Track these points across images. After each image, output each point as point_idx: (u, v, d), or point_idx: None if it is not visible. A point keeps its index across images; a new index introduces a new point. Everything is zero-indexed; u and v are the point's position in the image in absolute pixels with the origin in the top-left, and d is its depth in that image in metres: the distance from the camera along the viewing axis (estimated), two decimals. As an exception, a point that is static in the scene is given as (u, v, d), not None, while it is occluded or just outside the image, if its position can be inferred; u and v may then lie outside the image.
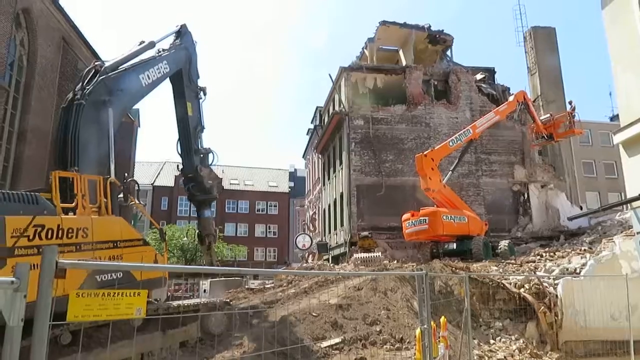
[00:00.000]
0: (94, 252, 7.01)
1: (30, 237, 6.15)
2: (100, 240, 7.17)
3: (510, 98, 21.49)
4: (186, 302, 9.14)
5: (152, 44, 9.78)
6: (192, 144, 10.53)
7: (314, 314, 9.31)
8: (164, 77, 9.45)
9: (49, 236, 6.43)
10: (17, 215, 6.11)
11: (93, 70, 8.33)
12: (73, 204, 7.23)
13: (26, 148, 18.56)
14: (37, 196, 6.80)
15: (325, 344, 8.31)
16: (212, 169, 11.03)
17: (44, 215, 6.53)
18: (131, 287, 7.09)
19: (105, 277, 6.94)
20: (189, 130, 10.49)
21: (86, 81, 8.18)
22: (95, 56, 24.24)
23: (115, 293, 2.27)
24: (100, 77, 8.16)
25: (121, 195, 8.34)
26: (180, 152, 10.68)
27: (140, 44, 9.65)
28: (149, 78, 8.88)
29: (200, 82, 10.95)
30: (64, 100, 8.15)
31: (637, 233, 10.29)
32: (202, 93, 11.05)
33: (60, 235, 6.57)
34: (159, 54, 9.75)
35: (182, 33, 10.43)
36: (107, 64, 8.71)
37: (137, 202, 9.03)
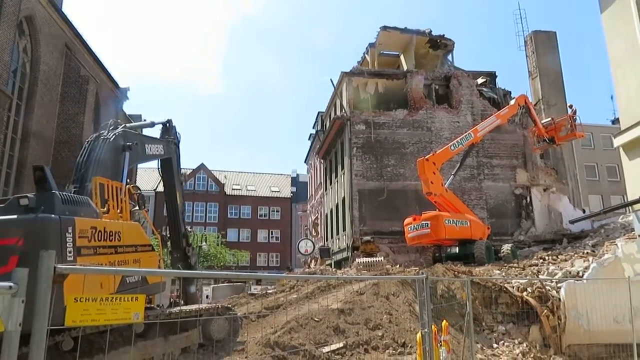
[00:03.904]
0: (125, 255, 7.37)
1: (89, 239, 6.44)
2: (127, 244, 7.51)
3: (512, 102, 21.51)
4: (188, 307, 9.20)
5: (152, 124, 11.37)
6: (180, 228, 11.48)
7: (315, 319, 9.30)
8: (158, 156, 10.79)
9: (99, 238, 6.70)
10: (80, 217, 6.40)
11: (114, 125, 9.57)
12: (104, 209, 7.65)
13: (29, 154, 18.65)
14: (88, 200, 7.16)
15: (327, 349, 8.29)
16: (192, 244, 12.18)
17: (94, 218, 6.89)
18: (145, 290, 7.53)
19: (131, 280, 7.33)
20: (178, 216, 11.50)
21: (110, 129, 9.40)
22: (98, 63, 24.44)
23: (113, 298, 2.29)
24: (122, 129, 9.39)
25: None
26: (169, 235, 11.53)
27: (143, 121, 11.28)
28: (150, 150, 10.31)
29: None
30: (89, 137, 9.36)
31: (639, 236, 10.24)
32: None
33: (105, 238, 6.88)
34: (157, 139, 11.15)
35: (168, 127, 11.59)
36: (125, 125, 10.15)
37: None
